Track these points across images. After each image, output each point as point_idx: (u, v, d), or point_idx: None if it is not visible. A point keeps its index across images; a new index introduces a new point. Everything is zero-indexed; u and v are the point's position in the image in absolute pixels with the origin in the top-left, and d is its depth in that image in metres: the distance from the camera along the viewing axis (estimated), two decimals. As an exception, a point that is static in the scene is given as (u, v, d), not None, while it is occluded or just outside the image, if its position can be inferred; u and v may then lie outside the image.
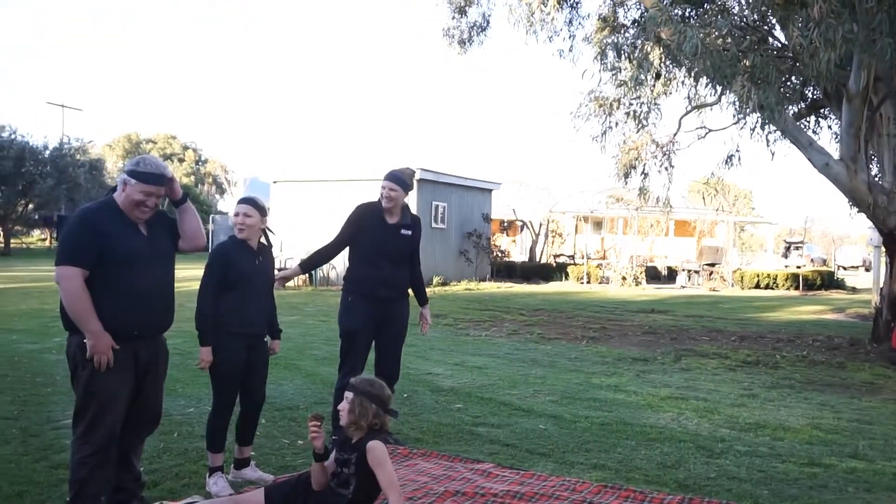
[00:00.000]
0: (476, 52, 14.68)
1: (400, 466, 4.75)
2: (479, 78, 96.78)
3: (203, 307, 4.34)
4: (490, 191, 25.44)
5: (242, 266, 4.43)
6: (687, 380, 8.34)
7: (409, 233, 5.43)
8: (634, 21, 12.79)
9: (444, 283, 21.08)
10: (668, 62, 10.59)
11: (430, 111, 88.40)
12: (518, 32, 12.48)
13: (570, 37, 13.44)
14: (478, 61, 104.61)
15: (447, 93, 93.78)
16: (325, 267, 21.03)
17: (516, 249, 33.34)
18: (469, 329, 12.24)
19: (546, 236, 30.46)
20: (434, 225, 21.98)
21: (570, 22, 13.40)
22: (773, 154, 11.56)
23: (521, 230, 32.94)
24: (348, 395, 3.61)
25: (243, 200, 4.53)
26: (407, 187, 5.35)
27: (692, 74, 8.30)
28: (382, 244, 5.32)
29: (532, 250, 30.03)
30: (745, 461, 5.11)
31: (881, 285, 12.19)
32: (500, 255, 26.86)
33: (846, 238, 60.96)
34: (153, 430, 4.07)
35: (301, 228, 20.63)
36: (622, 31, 12.33)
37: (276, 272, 4.89)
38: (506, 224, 31.89)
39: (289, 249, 20.45)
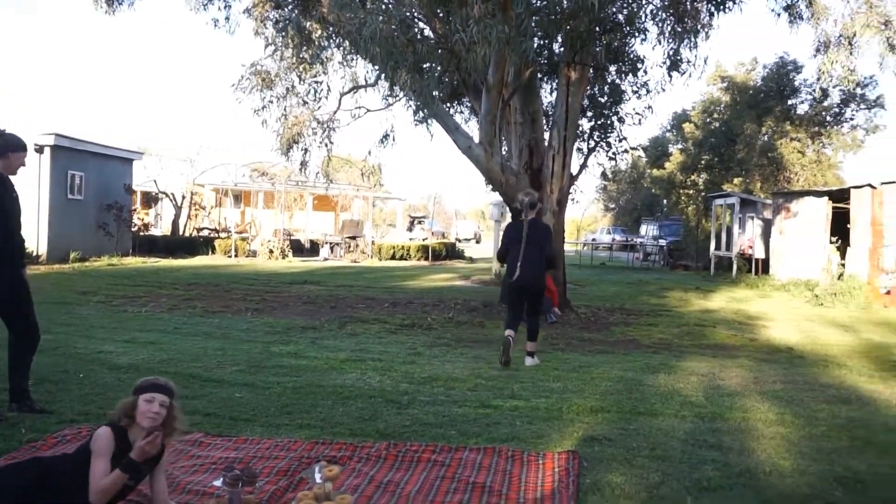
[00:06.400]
0: (127, 13, 13.75)
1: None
2: (128, 42, 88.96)
3: None
4: (132, 161, 23.90)
5: None
6: (357, 343, 8.93)
7: (16, 193, 5.36)
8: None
9: (82, 259, 19.46)
10: (331, 41, 11.03)
11: (70, 73, 78.99)
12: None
13: (225, 6, 13.24)
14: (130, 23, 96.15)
15: (91, 55, 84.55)
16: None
17: (158, 222, 31.76)
18: (125, 305, 11.63)
19: (189, 209, 29.48)
20: (70, 196, 20.07)
21: (226, -9, 13.20)
22: (432, 135, 12.69)
23: (158, 203, 31.40)
24: (163, 399, 3.39)
25: None
26: None
27: (368, 57, 8.83)
28: (17, 210, 5.26)
29: (175, 223, 28.88)
30: (430, 409, 5.76)
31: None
32: (142, 228, 25.47)
33: (459, 213, 67.66)
34: None
35: None
36: (283, 6, 12.48)
37: None
38: (148, 196, 30.22)
39: None
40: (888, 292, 15.72)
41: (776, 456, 4.74)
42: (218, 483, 3.69)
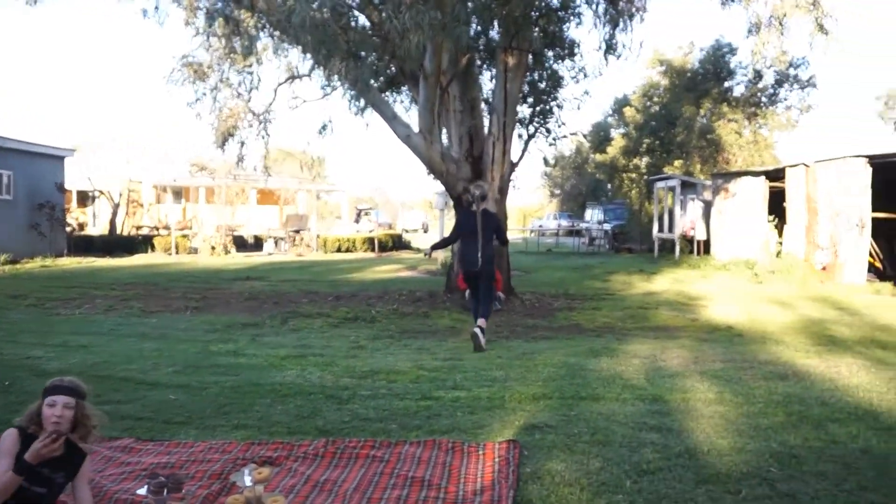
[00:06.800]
0: (50, 5, 13.28)
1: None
2: (55, 35, 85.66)
3: None
4: (63, 158, 23.18)
5: None
6: (299, 339, 8.80)
7: None
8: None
9: (13, 261, 18.80)
10: (263, 31, 10.79)
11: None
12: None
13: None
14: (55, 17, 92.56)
15: (20, 50, 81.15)
16: None
17: (94, 221, 30.88)
18: (58, 308, 11.27)
19: (127, 207, 28.77)
20: (-2, 196, 19.45)
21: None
22: (367, 124, 12.57)
23: (94, 201, 30.57)
24: (67, 401, 3.22)
25: None
26: None
27: (299, 46, 8.63)
28: None
29: (112, 222, 28.16)
30: (371, 403, 5.66)
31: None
32: (77, 227, 24.74)
33: (406, 204, 67.53)
34: None
35: None
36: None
37: None
38: (84, 195, 29.39)
39: None
40: (824, 268, 16.10)
41: (715, 435, 4.77)
42: (142, 491, 3.55)
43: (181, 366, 7.09)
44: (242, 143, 12.37)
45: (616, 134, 37.52)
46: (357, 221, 42.99)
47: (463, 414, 5.36)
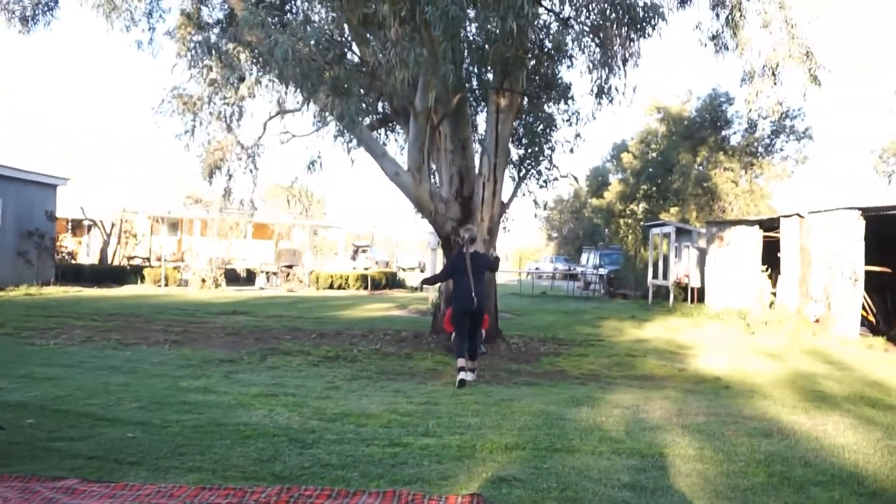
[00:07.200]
0: (43, 33, 13.32)
1: (-36, 495, 4.17)
2: (48, 62, 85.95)
3: None
4: (55, 186, 23.06)
5: None
6: (274, 377, 8.56)
7: None
8: (219, 21, 12.73)
9: (-2, 289, 18.63)
10: (255, 65, 10.74)
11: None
12: (86, 14, 11.57)
13: (150, 28, 12.90)
14: (47, 43, 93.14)
15: (14, 78, 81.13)
16: None
17: (85, 251, 30.68)
18: (34, 338, 11.03)
19: (119, 237, 28.61)
20: (-15, 222, 19.29)
21: (151, 13, 12.87)
22: (353, 161, 12.48)
23: (89, 230, 30.45)
24: None
25: None
26: None
27: (282, 80, 8.54)
28: None
29: (103, 252, 27.97)
30: (335, 448, 5.42)
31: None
32: (66, 256, 24.52)
33: (403, 243, 67.34)
34: None
35: None
36: (207, 30, 12.17)
37: None
38: (77, 223, 29.24)
39: None
40: (817, 320, 15.88)
41: (690, 495, 4.53)
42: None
43: (146, 402, 6.85)
44: (230, 176, 12.25)
45: (614, 179, 37.58)
46: (354, 258, 42.77)
47: (430, 463, 5.11)
